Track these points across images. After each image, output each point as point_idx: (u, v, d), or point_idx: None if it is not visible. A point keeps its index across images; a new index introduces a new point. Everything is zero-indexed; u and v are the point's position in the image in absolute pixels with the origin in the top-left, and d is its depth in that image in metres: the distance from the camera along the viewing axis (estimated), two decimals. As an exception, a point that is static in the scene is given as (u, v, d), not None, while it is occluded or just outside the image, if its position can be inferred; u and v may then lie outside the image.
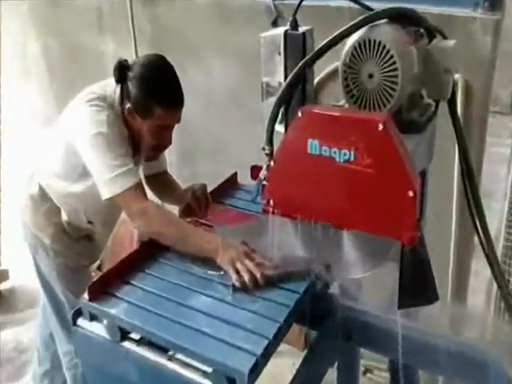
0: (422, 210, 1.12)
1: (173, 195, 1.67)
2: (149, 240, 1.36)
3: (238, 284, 1.17)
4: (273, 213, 1.13)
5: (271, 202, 1.14)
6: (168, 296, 1.18)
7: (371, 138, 0.97)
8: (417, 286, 1.05)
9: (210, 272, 1.25)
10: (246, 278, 1.18)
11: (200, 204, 1.56)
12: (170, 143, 1.52)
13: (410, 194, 0.97)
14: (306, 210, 1.10)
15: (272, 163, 1.11)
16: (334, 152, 1.01)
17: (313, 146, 1.03)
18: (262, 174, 1.14)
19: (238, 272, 1.19)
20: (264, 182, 1.14)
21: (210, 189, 1.62)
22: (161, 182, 1.71)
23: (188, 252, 1.30)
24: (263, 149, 1.14)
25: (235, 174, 1.76)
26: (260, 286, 1.17)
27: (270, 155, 1.13)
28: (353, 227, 1.07)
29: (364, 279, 1.12)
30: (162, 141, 1.50)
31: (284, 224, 1.14)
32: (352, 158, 1.00)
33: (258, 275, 1.17)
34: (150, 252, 1.34)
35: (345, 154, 1.00)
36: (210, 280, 1.23)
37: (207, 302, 1.15)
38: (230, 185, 1.72)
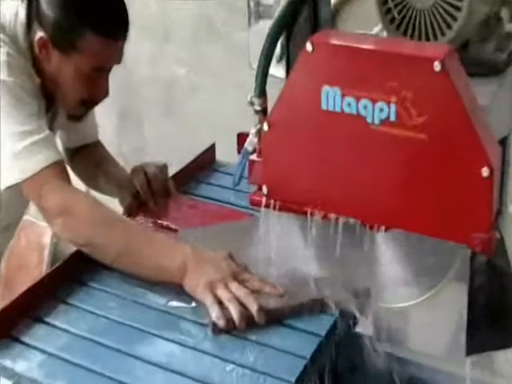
0: (501, 198, 1.13)
1: (110, 180, 1.65)
2: (74, 253, 1.35)
3: (221, 323, 1.16)
4: (267, 206, 1.14)
5: (264, 188, 1.14)
6: (107, 342, 1.18)
7: (423, 85, 0.98)
8: (495, 318, 1.08)
9: (173, 304, 1.25)
10: (235, 312, 1.16)
11: (156, 195, 1.56)
12: (107, 94, 1.50)
13: (484, 172, 0.98)
14: (319, 201, 1.11)
15: (265, 126, 1.11)
16: (365, 107, 1.02)
17: (330, 97, 1.04)
18: (250, 143, 1.14)
19: (220, 303, 1.18)
20: (253, 157, 1.14)
21: (171, 171, 1.63)
22: (90, 160, 1.70)
23: (138, 272, 1.29)
24: (251, 103, 1.14)
25: (212, 148, 1.75)
26: (256, 326, 1.17)
27: (263, 113, 1.14)
28: (394, 226, 1.08)
29: (412, 310, 1.16)
30: (94, 91, 1.48)
31: (285, 224, 1.15)
32: (393, 117, 1.01)
33: (254, 308, 1.16)
34: (74, 272, 1.33)
35: (381, 111, 1.01)
36: (174, 316, 1.22)
37: (170, 351, 1.15)
38: (204, 164, 1.72)
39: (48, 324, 1.24)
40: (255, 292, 1.19)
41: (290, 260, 1.20)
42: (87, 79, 1.44)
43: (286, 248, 1.20)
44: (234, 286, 1.20)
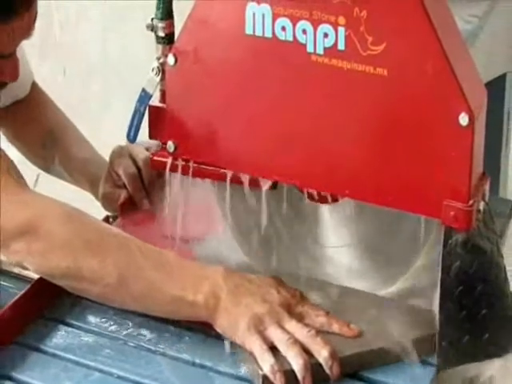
0: (494, 157, 1.17)
1: (72, 164, 1.54)
2: (38, 280, 1.18)
3: (277, 378, 1.03)
4: (174, 169, 1.10)
5: (171, 144, 1.10)
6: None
7: (381, 1, 0.94)
8: (476, 320, 1.03)
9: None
10: (297, 362, 1.04)
11: (148, 190, 1.44)
12: (14, 78, 1.39)
13: (462, 120, 0.93)
14: (245, 161, 1.09)
15: (170, 59, 1.07)
16: (304, 31, 0.99)
17: (258, 18, 1.01)
18: (150, 83, 1.10)
19: (272, 349, 1.06)
20: (154, 102, 1.11)
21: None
22: (30, 125, 1.58)
23: (145, 310, 1.17)
24: (152, 28, 1.09)
25: None
26: (325, 381, 1.04)
27: (168, 41, 1.09)
28: (343, 194, 1.05)
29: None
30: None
31: (200, 194, 1.14)
32: (341, 45, 0.97)
33: (324, 355, 1.03)
34: (42, 306, 1.19)
35: (326, 36, 0.98)
36: (201, 368, 1.09)
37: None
38: None
39: (14, 381, 1.08)
40: (319, 332, 1.08)
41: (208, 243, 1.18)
42: None
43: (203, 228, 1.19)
44: (290, 323, 1.07)
